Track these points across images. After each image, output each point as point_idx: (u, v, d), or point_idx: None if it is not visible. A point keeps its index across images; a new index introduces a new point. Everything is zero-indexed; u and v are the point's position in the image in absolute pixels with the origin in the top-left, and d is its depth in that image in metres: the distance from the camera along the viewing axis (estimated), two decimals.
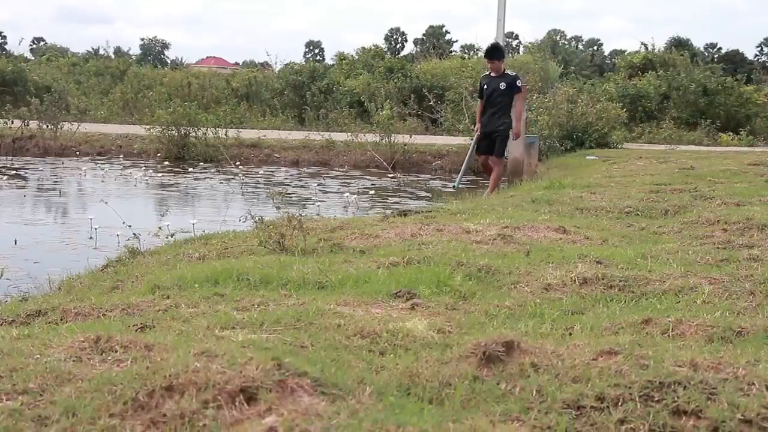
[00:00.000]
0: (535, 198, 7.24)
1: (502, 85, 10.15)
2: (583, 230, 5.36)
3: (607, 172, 11.04)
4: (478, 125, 10.54)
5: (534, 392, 2.07)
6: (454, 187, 11.25)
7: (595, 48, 52.11)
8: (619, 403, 1.94)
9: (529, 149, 12.79)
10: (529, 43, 34.50)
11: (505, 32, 16.10)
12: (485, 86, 10.40)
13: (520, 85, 10.34)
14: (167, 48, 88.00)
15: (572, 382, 2.10)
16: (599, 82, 28.70)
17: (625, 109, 21.01)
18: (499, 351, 2.29)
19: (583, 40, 52.99)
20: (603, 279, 3.66)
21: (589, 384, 2.05)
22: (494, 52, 10.50)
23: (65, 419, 1.79)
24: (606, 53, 56.59)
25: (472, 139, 10.85)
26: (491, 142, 10.26)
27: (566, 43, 40.13)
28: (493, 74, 10.32)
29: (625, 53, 36.33)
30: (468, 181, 15.98)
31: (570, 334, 2.78)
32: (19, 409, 1.83)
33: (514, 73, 10.60)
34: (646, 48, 31.82)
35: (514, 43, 53.39)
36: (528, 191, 8.25)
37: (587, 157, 14.74)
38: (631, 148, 18.18)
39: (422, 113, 24.19)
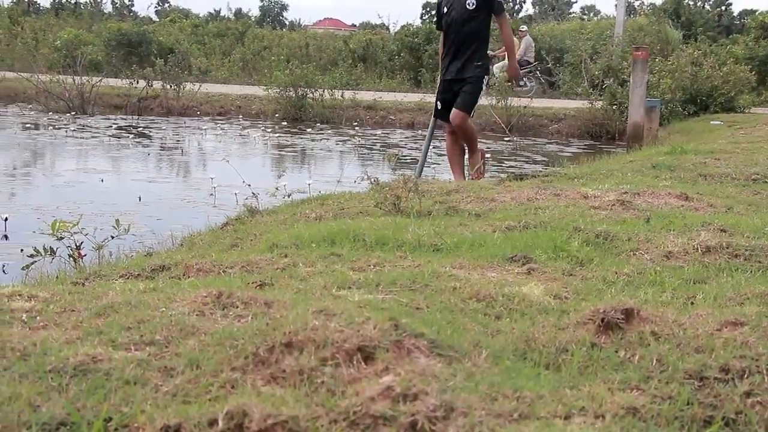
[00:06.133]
0: (656, 163, 7.04)
1: (471, 3, 6.90)
2: (707, 197, 5.20)
3: (732, 137, 10.65)
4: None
5: (654, 361, 2.02)
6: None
7: (723, 8, 50.05)
8: (745, 376, 1.88)
9: (650, 113, 12.45)
10: (647, 5, 33.33)
11: None
12: (445, 8, 7.13)
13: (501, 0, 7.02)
14: (286, 10, 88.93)
15: (695, 353, 2.04)
16: (727, 43, 27.58)
17: (754, 72, 20.16)
18: (618, 318, 2.25)
19: (710, 0, 51.01)
20: (727, 248, 3.53)
21: (712, 355, 1.99)
22: None
23: (189, 371, 1.85)
24: (735, 13, 54.39)
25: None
26: (456, 95, 7.17)
27: (691, 3, 38.70)
28: None
29: (756, 13, 34.79)
30: (585, 146, 15.68)
31: (692, 303, 2.71)
32: (146, 360, 1.90)
33: None
34: None
35: (637, 3, 51.81)
36: (648, 156, 8.03)
37: (712, 122, 14.26)
38: (759, 112, 17.49)
39: (540, 76, 23.80)
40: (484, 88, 7.27)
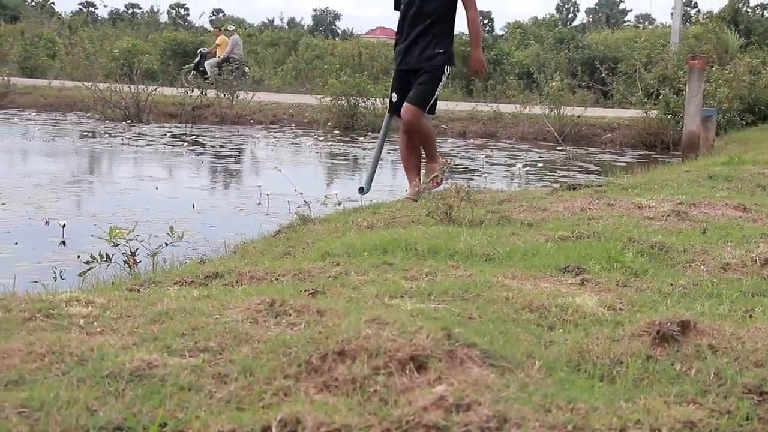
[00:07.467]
0: (713, 174, 6.94)
1: None
2: (765, 208, 5.10)
3: None
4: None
5: (712, 375, 1.99)
6: (361, 189, 7.16)
7: None
8: None
9: (707, 123, 12.23)
10: (704, 14, 32.78)
11: (684, 0, 15.42)
12: None
13: None
14: (338, 19, 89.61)
15: (754, 366, 2.01)
16: None
17: None
18: (674, 330, 2.22)
19: None
20: None
21: None
22: None
23: (243, 378, 1.86)
24: None
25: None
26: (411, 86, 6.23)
27: (750, 11, 37.99)
28: None
29: None
30: (639, 155, 15.50)
31: (750, 316, 2.66)
32: (200, 366, 1.92)
33: None
34: None
35: (693, 11, 51.14)
36: (704, 167, 7.92)
37: None
38: None
39: (593, 85, 23.57)
40: (444, 79, 6.23)
